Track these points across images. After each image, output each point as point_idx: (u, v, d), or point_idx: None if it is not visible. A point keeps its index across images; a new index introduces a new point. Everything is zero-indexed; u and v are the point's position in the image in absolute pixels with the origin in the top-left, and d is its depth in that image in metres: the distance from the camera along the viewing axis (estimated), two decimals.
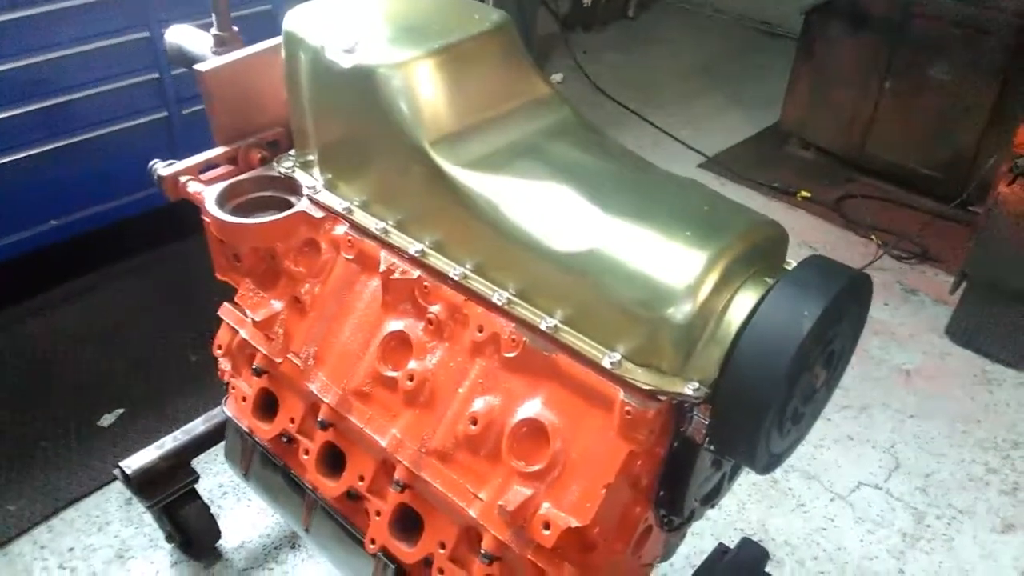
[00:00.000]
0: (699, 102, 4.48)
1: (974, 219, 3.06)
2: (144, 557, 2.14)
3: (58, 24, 2.50)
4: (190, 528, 2.08)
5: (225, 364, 1.53)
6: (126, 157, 2.67)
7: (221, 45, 1.67)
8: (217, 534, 2.15)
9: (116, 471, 1.99)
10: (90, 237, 2.83)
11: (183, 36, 1.79)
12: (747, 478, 2.41)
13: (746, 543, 1.96)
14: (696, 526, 2.27)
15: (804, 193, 3.66)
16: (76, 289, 2.92)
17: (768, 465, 1.14)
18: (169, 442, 2.03)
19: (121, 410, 2.51)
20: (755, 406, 1.03)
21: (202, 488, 2.15)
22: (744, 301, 1.07)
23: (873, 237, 3.40)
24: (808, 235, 3.48)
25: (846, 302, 1.09)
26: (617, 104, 4.34)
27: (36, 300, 2.88)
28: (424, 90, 1.25)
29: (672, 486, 1.18)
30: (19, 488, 2.26)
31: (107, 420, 2.48)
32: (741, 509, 2.33)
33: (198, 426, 2.04)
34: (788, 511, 2.33)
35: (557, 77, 4.57)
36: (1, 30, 2.40)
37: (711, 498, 1.31)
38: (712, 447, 1.13)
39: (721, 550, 1.98)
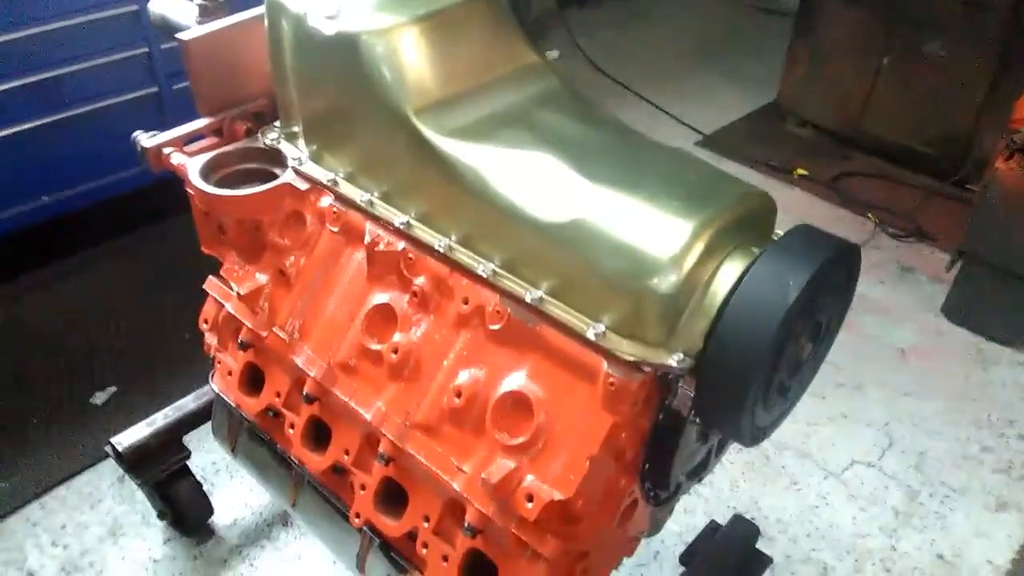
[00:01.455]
0: (696, 80, 4.44)
1: (971, 196, 3.04)
2: (136, 534, 2.14)
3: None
4: (182, 505, 2.08)
5: (211, 338, 1.52)
6: (117, 133, 2.61)
7: (206, 15, 1.64)
8: (209, 511, 2.14)
9: (108, 448, 1.98)
10: (82, 214, 2.81)
11: (167, 5, 1.76)
12: (739, 455, 2.41)
13: (738, 520, 1.95)
14: (688, 503, 2.27)
15: (801, 171, 3.63)
16: (69, 267, 2.90)
17: (754, 437, 1.13)
18: (160, 419, 2.02)
19: (114, 388, 2.50)
20: (740, 378, 1.02)
21: (194, 465, 2.14)
22: (730, 271, 1.06)
23: (870, 215, 3.39)
24: (804, 213, 3.45)
25: (833, 272, 1.07)
26: (614, 81, 4.31)
27: (28, 278, 2.86)
28: (408, 57, 1.23)
29: (657, 459, 1.18)
30: (11, 466, 2.26)
31: (99, 398, 2.48)
32: (734, 487, 2.33)
33: (189, 403, 2.03)
34: (781, 489, 2.33)
35: (553, 54, 4.53)
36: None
37: (698, 472, 1.30)
38: (698, 419, 1.12)
39: (712, 527, 1.98)
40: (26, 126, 2.58)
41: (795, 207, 3.47)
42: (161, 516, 2.12)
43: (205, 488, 2.13)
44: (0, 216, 2.64)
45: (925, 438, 2.48)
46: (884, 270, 3.15)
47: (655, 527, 1.42)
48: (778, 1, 4.97)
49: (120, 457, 1.96)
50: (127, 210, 2.93)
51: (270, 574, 2.05)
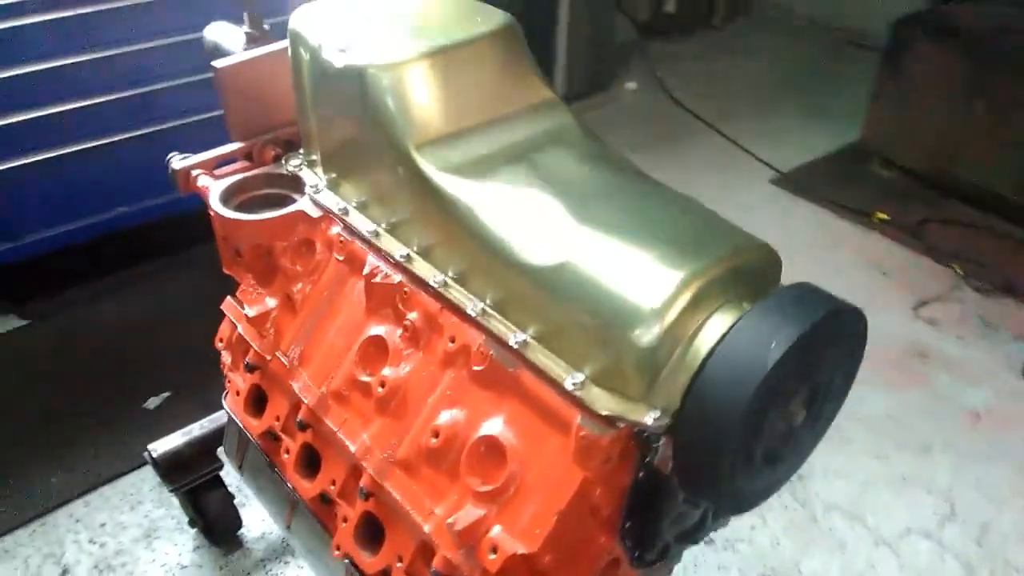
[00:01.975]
0: (778, 115, 4.31)
1: None
2: (169, 539, 2.19)
3: (143, 16, 2.61)
4: (211, 515, 2.12)
5: (227, 357, 1.55)
6: (196, 150, 2.78)
7: (252, 42, 1.70)
8: (238, 523, 2.18)
9: (145, 453, 2.05)
10: (154, 226, 2.94)
11: (220, 33, 1.83)
12: (784, 512, 2.30)
13: None
14: (724, 559, 2.17)
15: (881, 215, 3.47)
16: (138, 275, 3.03)
17: (737, 506, 1.07)
18: (196, 429, 2.07)
19: (167, 394, 2.59)
20: (714, 443, 0.96)
21: (229, 477, 2.19)
22: (716, 327, 1.00)
23: (954, 265, 3.19)
24: (882, 259, 3.29)
25: (828, 335, 1.00)
26: (690, 114, 4.23)
27: (104, 283, 3.00)
28: (414, 92, 1.23)
29: (638, 518, 1.12)
30: (64, 462, 2.36)
31: (153, 403, 2.57)
32: (775, 544, 2.21)
33: (224, 416, 2.08)
34: (826, 552, 2.20)
35: (631, 85, 4.48)
36: (94, 21, 2.53)
37: (691, 535, 1.24)
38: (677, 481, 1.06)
39: None
40: (112, 139, 2.72)
41: (872, 252, 3.31)
42: (192, 524, 2.17)
43: (237, 501, 2.18)
44: (80, 223, 2.79)
45: (991, 509, 2.30)
46: (964, 325, 2.96)
47: None
48: (869, 36, 4.78)
49: (155, 463, 2.02)
50: (195, 225, 3.03)
51: None
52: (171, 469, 2.03)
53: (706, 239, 1.08)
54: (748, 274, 1.07)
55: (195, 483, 2.06)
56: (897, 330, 2.93)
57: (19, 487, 2.28)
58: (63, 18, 2.49)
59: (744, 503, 1.07)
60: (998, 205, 3.34)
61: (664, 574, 1.38)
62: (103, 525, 2.22)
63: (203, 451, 2.06)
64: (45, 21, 2.47)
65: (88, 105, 2.64)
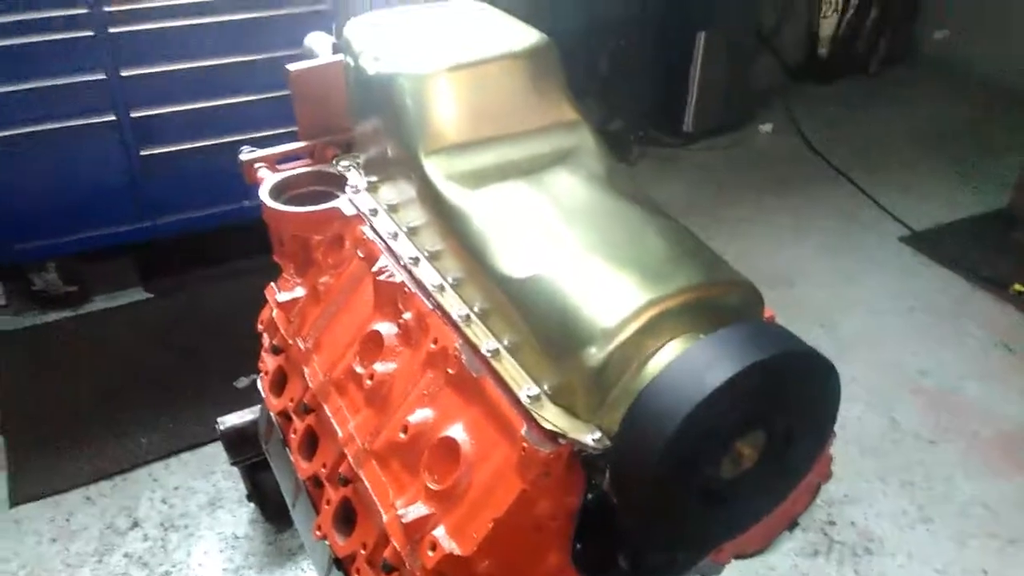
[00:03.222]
0: (920, 171, 4.04)
1: None
2: (230, 510, 2.34)
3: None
4: (265, 491, 2.25)
5: (265, 339, 1.66)
6: None
7: (335, 52, 1.82)
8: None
9: (216, 425, 2.20)
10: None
11: (316, 41, 1.97)
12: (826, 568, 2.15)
13: None
14: None
15: (1018, 287, 3.18)
16: (258, 265, 3.23)
17: (679, 542, 1.03)
18: (264, 409, 2.21)
19: (256, 376, 2.76)
20: (639, 470, 0.94)
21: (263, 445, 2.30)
22: (666, 356, 0.99)
23: None
24: (1009, 335, 3.01)
25: (787, 380, 0.96)
26: (824, 161, 4.06)
27: (223, 269, 3.25)
28: (434, 101, 1.28)
29: (590, 542, 1.10)
30: (155, 424, 2.57)
31: (242, 383, 2.75)
32: None
33: None
34: None
35: (766, 128, 4.36)
36: (250, 26, 2.79)
37: (661, 570, 1.19)
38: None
39: None
40: (252, 135, 2.94)
41: (1000, 326, 3.04)
42: (250, 498, 2.31)
43: None
44: (210, 211, 3.04)
45: None
46: None
47: None
48: None
49: (221, 435, 2.17)
50: None
51: None
52: (234, 443, 2.17)
53: (680, 269, 1.06)
54: (720, 309, 1.04)
55: (254, 459, 2.19)
56: (1013, 412, 2.67)
57: (114, 441, 2.51)
58: (229, 22, 2.75)
59: (692, 542, 1.03)
60: None
61: None
62: (176, 488, 2.40)
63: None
64: (215, 23, 2.74)
65: (236, 103, 2.88)
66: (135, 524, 2.29)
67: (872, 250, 3.50)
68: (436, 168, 1.25)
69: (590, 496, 1.07)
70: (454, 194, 1.23)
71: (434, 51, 1.33)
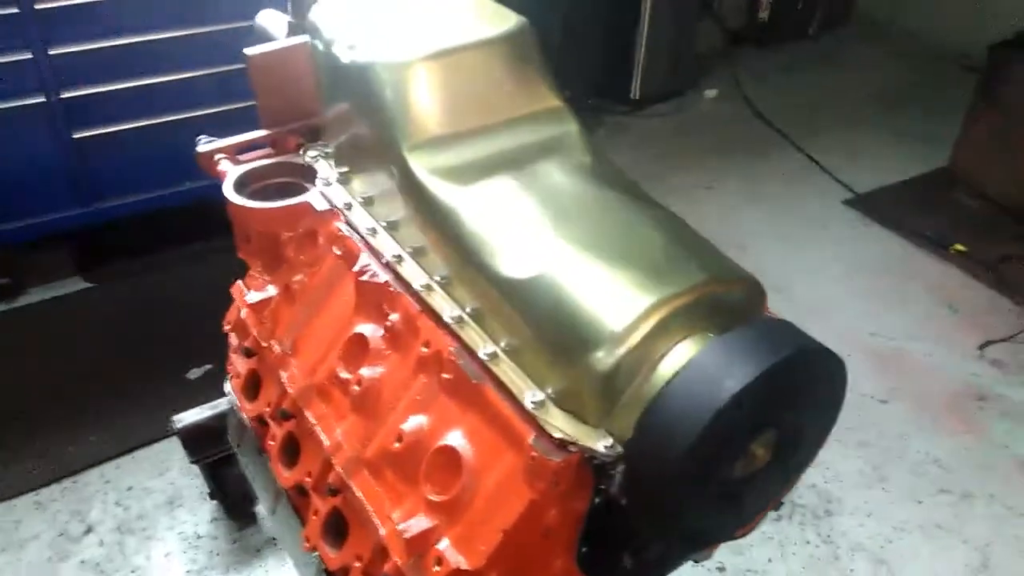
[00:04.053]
0: (862, 134, 4.12)
1: None
2: (190, 508, 2.26)
3: None
4: (228, 489, 2.18)
5: (233, 339, 1.58)
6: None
7: (292, 32, 1.72)
8: (253, 499, 2.23)
9: (171, 423, 2.12)
10: (217, 204, 3.02)
11: (269, 20, 1.86)
12: (805, 547, 2.20)
13: None
14: None
15: (959, 247, 3.27)
16: (203, 250, 3.12)
17: (691, 540, 1.02)
18: (223, 404, 2.12)
19: (209, 366, 2.67)
20: (658, 478, 0.92)
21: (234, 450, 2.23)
22: (678, 357, 0.96)
23: None
24: (952, 294, 3.11)
25: (798, 376, 0.95)
26: (769, 127, 4.09)
27: (167, 255, 3.11)
28: (414, 92, 1.22)
29: (596, 546, 1.09)
30: (102, 423, 2.46)
31: (195, 374, 2.65)
32: None
33: None
34: None
35: (711, 93, 4.37)
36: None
37: (657, 566, 1.19)
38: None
39: None
40: (195, 114, 2.81)
41: (944, 286, 3.13)
42: (212, 496, 2.23)
43: None
44: (150, 195, 2.90)
45: None
46: None
47: None
48: (974, 57, 4.51)
49: (178, 433, 2.08)
50: None
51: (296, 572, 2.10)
52: (193, 441, 2.09)
53: (683, 266, 1.04)
54: (725, 305, 1.02)
55: (215, 457, 2.12)
56: (957, 370, 2.77)
57: (59, 443, 2.39)
58: None
59: (699, 540, 1.03)
60: None
61: None
62: (131, 488, 2.31)
63: (226, 426, 2.11)
64: None
65: (177, 79, 2.74)
66: (89, 529, 2.20)
67: (818, 214, 3.56)
68: (420, 162, 1.20)
69: (597, 500, 1.05)
70: (441, 190, 1.17)
71: (410, 37, 1.26)
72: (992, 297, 3.09)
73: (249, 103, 2.76)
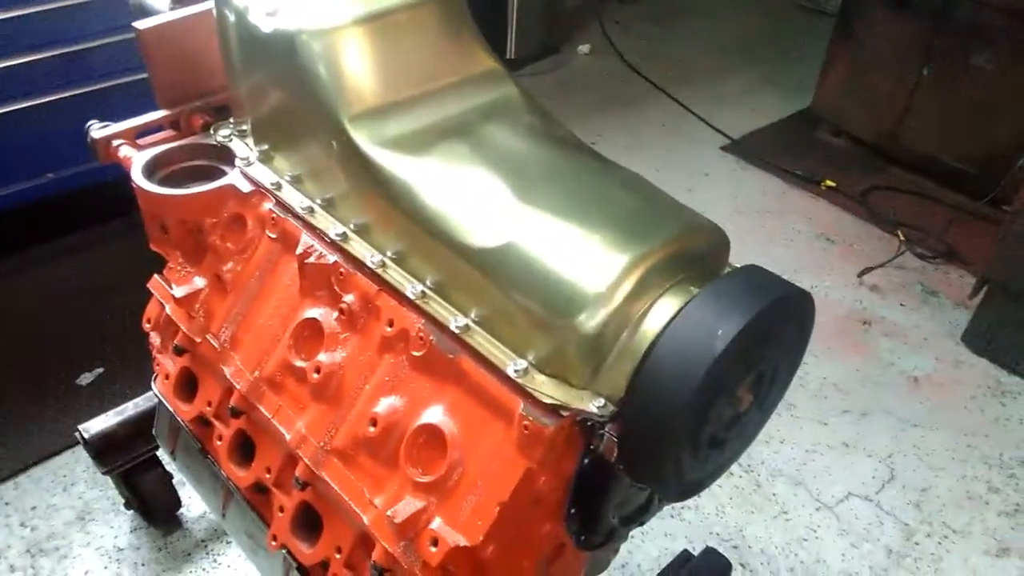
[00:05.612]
0: (730, 81, 4.29)
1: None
2: (105, 521, 2.12)
3: None
4: (148, 496, 2.05)
5: (155, 338, 1.48)
6: (128, 113, 2.65)
7: (178, 3, 1.59)
8: (177, 503, 2.12)
9: (77, 434, 1.96)
10: (83, 194, 2.80)
11: None
12: (729, 479, 2.31)
13: (710, 552, 1.86)
14: (670, 527, 2.18)
15: (829, 182, 3.48)
16: (66, 247, 2.90)
17: (684, 492, 1.05)
18: (131, 408, 1.99)
19: (101, 369, 2.49)
20: (660, 432, 0.93)
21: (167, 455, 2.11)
22: (662, 312, 0.97)
23: (898, 233, 3.22)
24: (827, 227, 3.31)
25: (777, 321, 0.98)
26: (644, 79, 4.18)
27: (33, 253, 2.87)
28: (347, 60, 1.16)
29: (584, 505, 1.09)
30: None
31: (86, 379, 2.47)
32: (720, 512, 2.23)
33: None
34: (769, 518, 2.22)
35: (584, 49, 4.41)
36: None
37: (637, 517, 1.22)
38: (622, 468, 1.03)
39: (684, 557, 1.89)
40: (36, 102, 2.57)
41: (819, 220, 3.33)
42: (128, 505, 2.10)
43: (176, 480, 2.11)
44: (7, 189, 2.64)
45: (929, 473, 2.35)
46: (906, 292, 3.00)
47: (597, 568, 1.34)
48: (828, 2, 4.76)
49: (87, 444, 1.94)
50: (126, 193, 2.91)
51: (232, 570, 2.02)
52: (104, 451, 1.95)
53: (653, 221, 1.04)
54: (696, 256, 1.04)
55: (130, 464, 1.99)
56: (841, 297, 2.96)
57: None
58: None
59: (692, 487, 1.05)
60: (944, 173, 3.38)
61: (610, 554, 1.36)
62: (34, 508, 2.14)
63: (138, 431, 1.97)
64: None
65: (11, 65, 2.48)
66: None
67: (698, 161, 3.69)
68: (363, 134, 1.14)
69: (586, 461, 1.05)
70: (390, 161, 1.12)
71: (336, 2, 1.19)
72: (864, 226, 3.31)
73: (102, 85, 2.59)
